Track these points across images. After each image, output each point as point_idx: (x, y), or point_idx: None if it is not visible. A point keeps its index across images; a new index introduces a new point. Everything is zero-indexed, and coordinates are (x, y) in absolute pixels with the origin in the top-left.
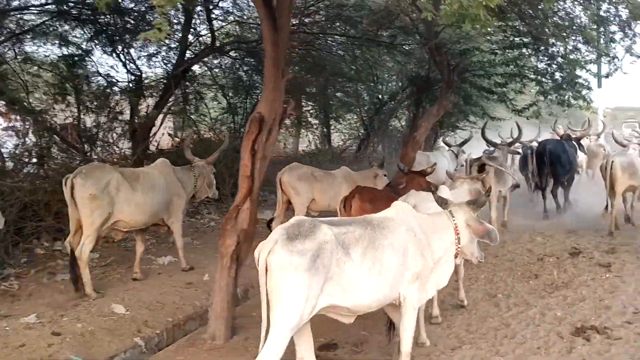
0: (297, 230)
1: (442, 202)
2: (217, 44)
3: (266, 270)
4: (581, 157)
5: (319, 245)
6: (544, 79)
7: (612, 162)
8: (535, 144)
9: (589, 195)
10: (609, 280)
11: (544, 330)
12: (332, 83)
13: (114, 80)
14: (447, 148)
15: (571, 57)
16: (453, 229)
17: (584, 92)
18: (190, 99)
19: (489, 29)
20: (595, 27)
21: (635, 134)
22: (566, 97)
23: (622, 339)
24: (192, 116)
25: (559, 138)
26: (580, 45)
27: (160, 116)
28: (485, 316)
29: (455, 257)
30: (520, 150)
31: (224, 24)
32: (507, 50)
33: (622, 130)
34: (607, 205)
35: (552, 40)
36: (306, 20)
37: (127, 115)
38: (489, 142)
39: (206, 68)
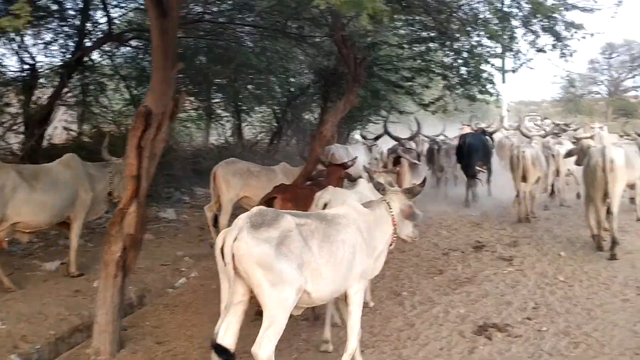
0: (261, 219)
1: (380, 188)
2: (117, 32)
3: (232, 257)
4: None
5: (283, 232)
6: (450, 74)
7: (523, 152)
8: (442, 137)
9: (493, 186)
10: (511, 275)
11: (447, 329)
12: (242, 75)
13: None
14: (363, 141)
15: (476, 51)
16: (391, 220)
17: (488, 86)
18: (91, 90)
19: (395, 23)
20: (497, 22)
21: (536, 127)
22: (472, 91)
23: (522, 337)
24: (92, 108)
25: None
26: (484, 40)
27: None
28: (389, 316)
29: (391, 245)
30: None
31: (125, 11)
32: (414, 45)
33: (525, 123)
34: (518, 195)
35: (457, 35)
36: (214, 9)
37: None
38: (391, 137)
39: (107, 58)
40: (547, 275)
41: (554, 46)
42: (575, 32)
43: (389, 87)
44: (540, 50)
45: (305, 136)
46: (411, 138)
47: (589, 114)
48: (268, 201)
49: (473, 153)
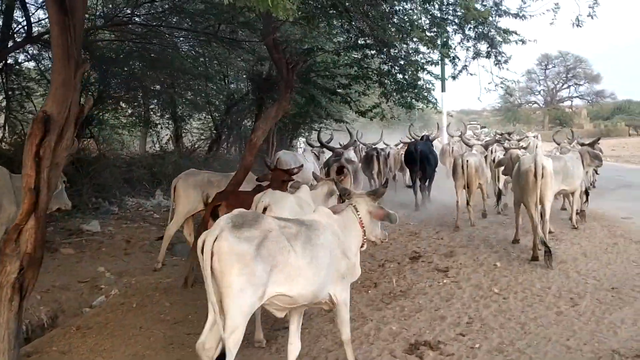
0: (242, 220)
1: (346, 194)
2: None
3: (211, 256)
4: None
5: (264, 233)
6: (386, 81)
7: (467, 161)
8: (382, 145)
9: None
10: (446, 287)
11: (377, 348)
12: (179, 81)
13: None
14: (310, 148)
15: (413, 58)
16: (359, 223)
17: (426, 94)
18: (15, 95)
19: (333, 31)
20: (429, 27)
21: (474, 135)
22: (408, 99)
23: (454, 355)
24: (16, 115)
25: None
26: (420, 47)
27: None
28: (318, 335)
29: (362, 247)
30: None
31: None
32: (351, 51)
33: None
34: (458, 202)
35: (393, 42)
36: (144, 11)
37: None
38: (324, 146)
39: (33, 61)
40: (482, 287)
41: (488, 53)
42: (509, 39)
43: (324, 93)
44: (475, 56)
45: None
46: (346, 147)
47: (527, 122)
48: (214, 208)
49: (426, 161)
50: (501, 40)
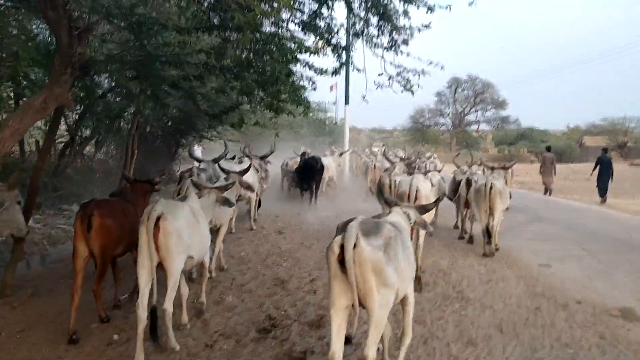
0: (367, 227)
1: (392, 202)
2: None
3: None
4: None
5: (387, 240)
6: (247, 73)
7: (395, 181)
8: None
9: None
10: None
11: None
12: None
13: None
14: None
15: (282, 45)
16: (410, 230)
17: (297, 92)
18: None
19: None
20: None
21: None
22: (275, 99)
23: None
24: None
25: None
26: (294, 28)
27: None
28: None
29: None
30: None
31: None
32: (206, 33)
33: (373, 149)
34: None
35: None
36: None
37: None
38: (193, 158)
39: None
40: None
41: (379, 27)
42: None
43: (159, 86)
44: (360, 33)
45: (118, 148)
46: (216, 160)
47: (435, 143)
48: (89, 217)
49: (320, 173)
50: (400, 11)
